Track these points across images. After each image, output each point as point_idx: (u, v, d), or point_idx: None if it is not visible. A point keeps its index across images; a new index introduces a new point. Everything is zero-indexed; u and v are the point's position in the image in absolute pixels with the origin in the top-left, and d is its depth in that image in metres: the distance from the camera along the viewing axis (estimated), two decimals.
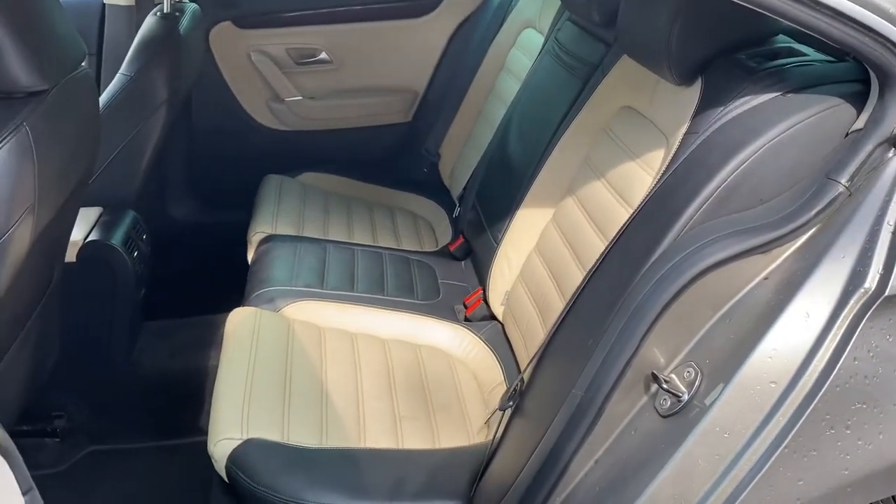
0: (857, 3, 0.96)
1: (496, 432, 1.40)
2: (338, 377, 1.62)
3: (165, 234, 2.31)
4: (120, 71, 1.94)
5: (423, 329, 1.86)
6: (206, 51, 2.51)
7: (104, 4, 2.30)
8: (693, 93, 1.30)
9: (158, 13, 2.07)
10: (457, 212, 2.31)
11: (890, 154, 0.99)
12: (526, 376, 1.38)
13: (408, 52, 2.69)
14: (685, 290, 1.07)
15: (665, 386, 1.05)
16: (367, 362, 1.69)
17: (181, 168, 2.60)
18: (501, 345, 1.79)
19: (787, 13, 0.98)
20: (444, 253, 2.22)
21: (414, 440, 1.50)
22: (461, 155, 2.50)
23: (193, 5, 2.27)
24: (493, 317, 1.88)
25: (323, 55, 2.64)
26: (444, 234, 2.37)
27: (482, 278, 1.94)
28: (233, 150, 2.68)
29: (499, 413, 1.42)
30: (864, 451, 0.99)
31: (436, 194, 2.54)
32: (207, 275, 2.28)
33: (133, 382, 2.10)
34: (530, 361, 1.38)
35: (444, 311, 1.93)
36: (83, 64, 1.41)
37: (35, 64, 1.19)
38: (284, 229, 2.19)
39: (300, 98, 2.66)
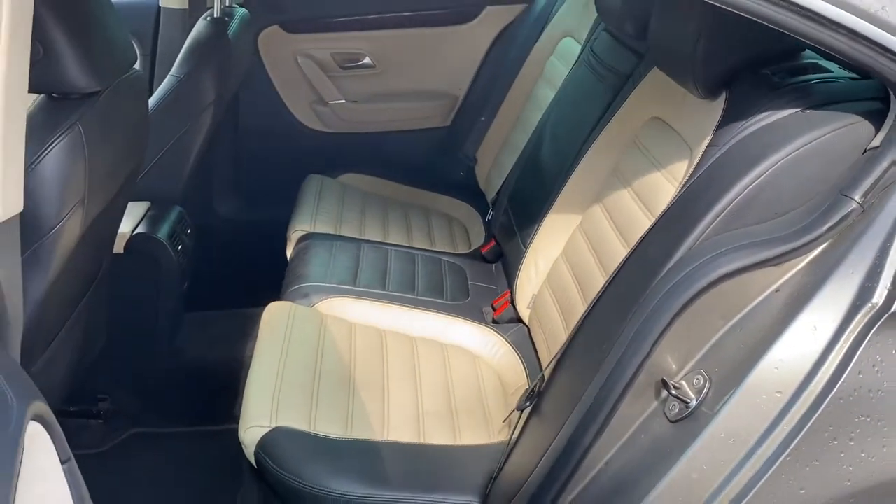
0: (874, 24, 0.97)
1: (514, 431, 1.44)
2: (365, 372, 1.68)
3: (209, 229, 2.40)
4: (170, 73, 2.03)
5: (451, 329, 1.90)
6: (254, 54, 2.60)
7: (160, 7, 2.41)
8: (717, 106, 1.32)
9: (209, 17, 2.16)
10: (489, 215, 2.35)
11: None
12: (546, 376, 1.41)
13: (449, 58, 2.74)
14: (698, 299, 1.09)
15: (674, 392, 1.08)
16: (395, 359, 1.74)
17: (227, 166, 2.69)
18: (526, 347, 1.83)
19: (806, 33, 1.00)
20: (475, 255, 2.26)
21: (436, 436, 1.55)
22: (497, 160, 2.54)
23: (243, 10, 2.35)
24: (520, 320, 1.92)
25: (366, 60, 2.70)
26: (478, 236, 2.41)
27: (510, 281, 1.97)
28: (277, 149, 2.75)
29: (517, 413, 1.46)
30: (867, 464, 1.00)
31: (471, 197, 2.59)
32: (248, 269, 2.36)
33: (174, 370, 2.19)
34: (549, 363, 1.42)
35: (472, 312, 1.97)
36: (135, 66, 1.50)
37: (90, 67, 1.27)
38: (322, 228, 2.25)
39: (343, 101, 2.74)
